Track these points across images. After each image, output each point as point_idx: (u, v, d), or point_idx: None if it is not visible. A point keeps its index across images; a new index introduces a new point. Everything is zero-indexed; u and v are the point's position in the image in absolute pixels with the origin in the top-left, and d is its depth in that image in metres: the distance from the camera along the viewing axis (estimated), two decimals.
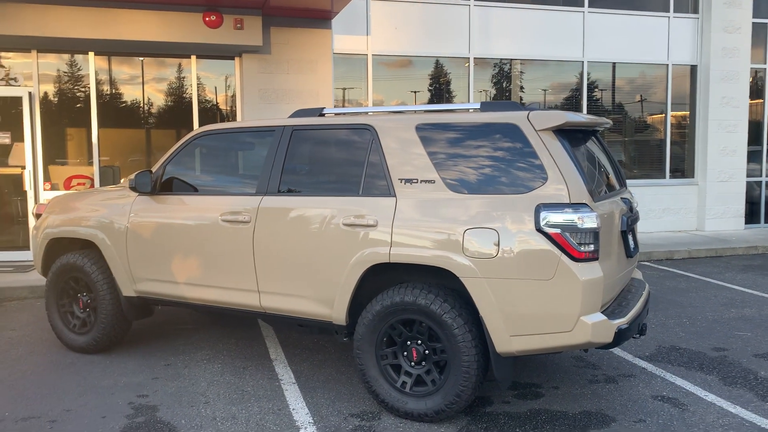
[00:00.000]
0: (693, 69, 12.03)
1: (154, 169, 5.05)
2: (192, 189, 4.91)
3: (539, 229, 3.58)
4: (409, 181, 4.01)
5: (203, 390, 4.51)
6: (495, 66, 11.00)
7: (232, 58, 9.67)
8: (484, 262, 3.68)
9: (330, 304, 4.20)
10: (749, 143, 12.49)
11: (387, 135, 4.16)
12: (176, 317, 6.45)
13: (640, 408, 4.21)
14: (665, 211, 11.91)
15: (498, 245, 3.65)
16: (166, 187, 5.01)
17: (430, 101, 10.69)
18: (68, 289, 5.39)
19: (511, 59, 11.04)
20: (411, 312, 3.91)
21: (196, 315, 6.52)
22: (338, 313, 4.17)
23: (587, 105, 11.49)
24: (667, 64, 11.86)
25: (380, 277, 4.25)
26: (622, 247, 4.12)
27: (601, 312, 3.69)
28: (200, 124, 9.53)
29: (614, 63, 11.60)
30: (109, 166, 9.33)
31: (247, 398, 4.36)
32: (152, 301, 5.08)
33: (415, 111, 4.51)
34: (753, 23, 12.14)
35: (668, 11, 11.76)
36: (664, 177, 12.04)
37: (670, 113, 11.97)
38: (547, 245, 3.56)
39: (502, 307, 3.66)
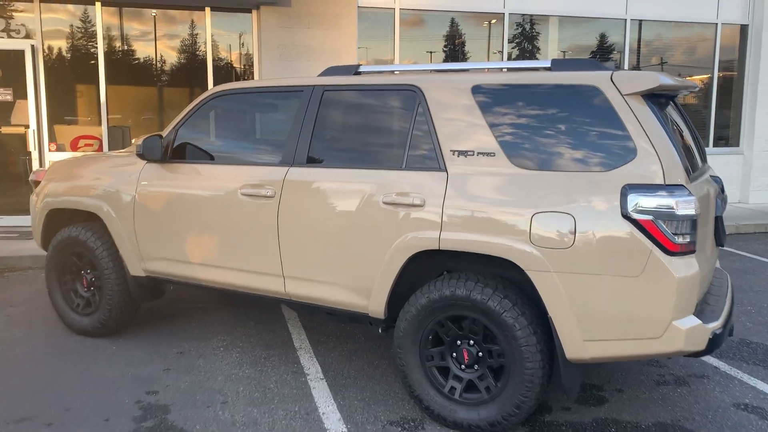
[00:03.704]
0: (743, 29, 11.14)
1: (164, 133, 4.45)
2: (207, 156, 4.32)
3: (626, 215, 2.96)
4: (463, 153, 3.39)
5: (220, 386, 3.99)
6: (530, 23, 10.20)
7: (249, 11, 8.94)
8: (556, 252, 3.07)
9: (366, 294, 3.63)
10: None
11: (437, 98, 3.52)
12: (189, 295, 5.93)
13: (723, 420, 3.64)
14: None
15: (574, 233, 3.04)
16: (178, 153, 4.42)
17: (456, 60, 9.94)
18: (71, 266, 4.86)
19: (549, 15, 10.22)
20: (463, 308, 3.33)
21: (210, 293, 5.99)
22: (376, 306, 3.60)
23: (628, 66, 10.68)
24: (716, 24, 10.98)
25: (422, 264, 3.66)
26: (712, 235, 3.50)
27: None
28: (215, 83, 8.88)
29: (658, 21, 10.74)
30: (118, 126, 8.75)
31: (270, 398, 3.83)
32: (163, 281, 4.55)
33: (469, 69, 3.86)
34: None
35: None
36: (707, 145, 11.27)
37: (716, 76, 11.14)
38: (635, 235, 2.94)
39: (577, 307, 3.06)
